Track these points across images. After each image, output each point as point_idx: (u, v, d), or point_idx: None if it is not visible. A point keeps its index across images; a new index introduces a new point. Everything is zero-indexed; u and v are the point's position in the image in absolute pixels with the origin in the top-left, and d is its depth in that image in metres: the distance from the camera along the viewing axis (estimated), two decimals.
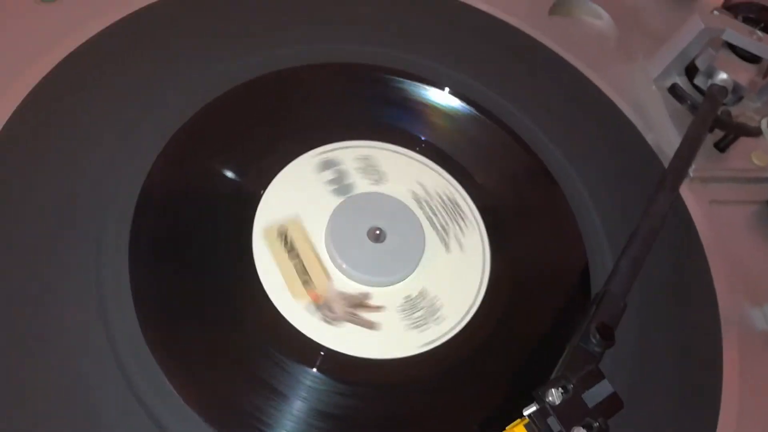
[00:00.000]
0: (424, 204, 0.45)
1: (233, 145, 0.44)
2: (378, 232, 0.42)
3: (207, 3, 0.52)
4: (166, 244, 0.39)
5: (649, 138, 0.54)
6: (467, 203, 0.46)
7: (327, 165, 0.45)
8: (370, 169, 0.46)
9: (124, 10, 0.49)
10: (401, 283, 0.41)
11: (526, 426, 0.35)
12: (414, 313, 0.40)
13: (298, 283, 0.40)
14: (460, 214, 0.45)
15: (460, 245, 0.44)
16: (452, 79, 0.52)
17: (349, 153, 0.46)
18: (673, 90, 0.53)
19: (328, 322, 0.39)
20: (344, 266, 0.41)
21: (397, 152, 0.47)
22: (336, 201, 0.43)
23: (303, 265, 0.41)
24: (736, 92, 0.53)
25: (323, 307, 0.39)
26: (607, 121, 0.55)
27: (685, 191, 0.52)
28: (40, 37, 0.46)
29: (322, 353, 0.37)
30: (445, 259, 0.43)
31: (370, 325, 0.39)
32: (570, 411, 0.35)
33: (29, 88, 0.42)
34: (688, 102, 0.52)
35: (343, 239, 0.42)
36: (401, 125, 0.49)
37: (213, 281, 0.38)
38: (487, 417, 0.37)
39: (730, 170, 0.54)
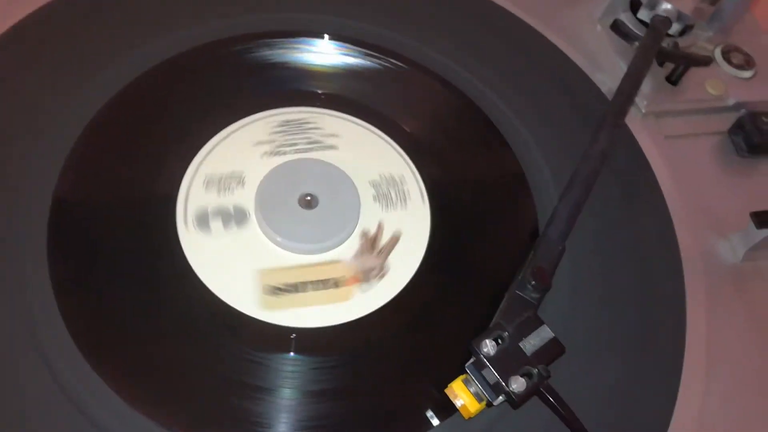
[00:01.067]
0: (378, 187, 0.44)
1: (148, 130, 0.43)
2: (309, 198, 0.41)
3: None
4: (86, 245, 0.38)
5: (598, 80, 0.53)
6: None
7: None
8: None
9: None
10: (340, 247, 0.41)
11: (464, 381, 0.34)
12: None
13: (335, 291, 0.39)
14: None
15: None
16: (388, 40, 0.51)
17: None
18: (615, 27, 0.51)
19: (383, 276, 0.39)
20: (278, 239, 0.40)
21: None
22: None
23: (317, 281, 0.39)
24: (681, 21, 0.51)
25: (368, 276, 0.39)
26: (554, 67, 0.53)
27: (639, 128, 0.51)
28: None
29: (293, 336, 0.37)
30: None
31: (397, 239, 0.41)
32: (507, 360, 0.34)
33: None
34: (633, 39, 0.50)
35: (274, 211, 0.41)
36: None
37: (144, 281, 0.38)
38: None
39: (684, 102, 0.52)
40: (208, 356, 0.36)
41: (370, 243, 0.40)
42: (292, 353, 0.36)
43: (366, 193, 0.43)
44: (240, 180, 0.42)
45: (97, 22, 0.48)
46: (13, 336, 0.34)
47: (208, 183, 0.42)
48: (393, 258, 0.40)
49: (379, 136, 0.46)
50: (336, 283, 0.39)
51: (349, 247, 0.41)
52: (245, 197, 0.41)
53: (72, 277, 0.37)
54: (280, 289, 0.38)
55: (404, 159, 0.45)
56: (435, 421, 0.35)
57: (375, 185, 0.43)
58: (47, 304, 0.35)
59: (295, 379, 0.36)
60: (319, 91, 0.47)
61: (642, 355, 0.40)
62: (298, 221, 0.41)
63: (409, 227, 0.42)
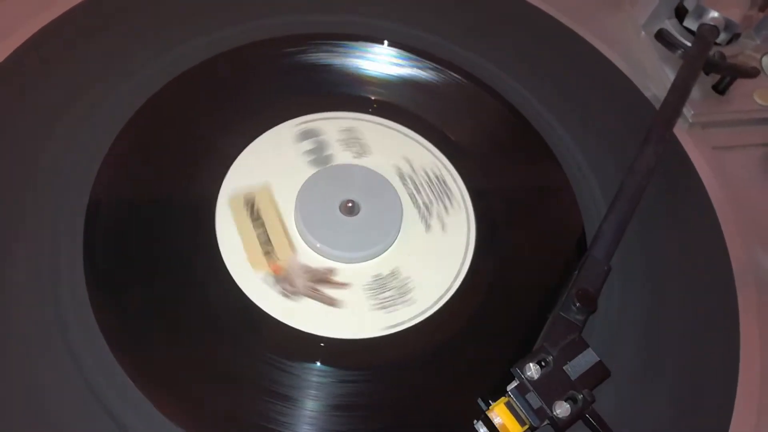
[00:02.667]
0: (408, 180, 0.44)
1: (205, 112, 0.44)
2: (351, 204, 0.41)
3: None
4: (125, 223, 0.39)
5: (644, 87, 0.52)
6: (456, 183, 0.44)
7: (307, 135, 0.44)
8: (352, 141, 0.45)
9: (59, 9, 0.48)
10: (373, 260, 0.40)
11: (507, 404, 0.34)
12: (382, 293, 0.39)
13: (260, 252, 0.39)
14: (446, 194, 0.44)
15: (443, 225, 0.42)
16: (443, 49, 0.51)
17: (333, 124, 0.45)
18: (660, 36, 0.50)
19: (287, 296, 0.38)
20: (311, 239, 0.40)
21: (384, 125, 0.46)
22: (312, 172, 0.42)
23: (267, 235, 0.40)
24: (729, 30, 0.50)
25: (283, 280, 0.38)
26: (598, 75, 0.53)
27: (686, 139, 0.50)
28: None
29: (321, 344, 0.37)
30: (424, 239, 0.42)
31: (331, 302, 0.38)
32: (551, 385, 0.34)
33: None
34: (678, 48, 0.49)
35: (313, 212, 0.40)
36: (382, 96, 0.48)
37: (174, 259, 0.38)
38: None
39: (731, 112, 0.51)
40: (234, 359, 0.36)
41: (320, 276, 0.39)
42: (318, 363, 0.36)
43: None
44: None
45: (139, 19, 0.49)
46: (46, 334, 0.35)
47: None
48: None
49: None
50: (268, 252, 0.39)
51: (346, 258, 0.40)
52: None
53: (106, 276, 0.37)
54: (252, 206, 0.40)
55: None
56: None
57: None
58: (81, 302, 0.36)
59: (320, 390, 0.35)
60: (372, 98, 0.47)
61: (693, 377, 0.39)
62: (337, 227, 0.40)
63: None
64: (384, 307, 0.38)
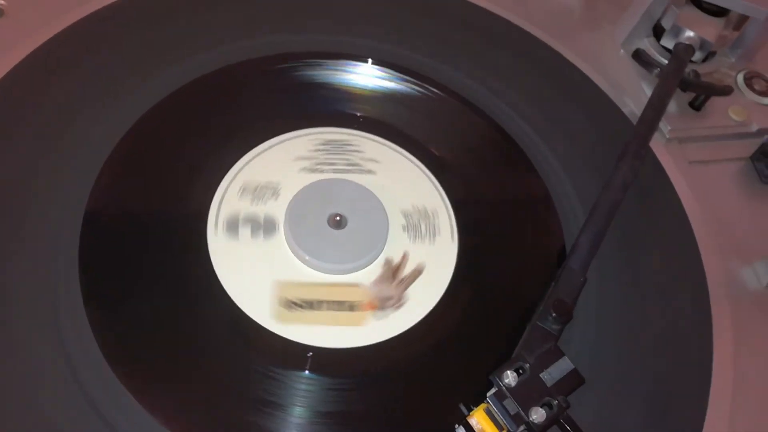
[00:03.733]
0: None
1: (182, 146, 0.45)
2: (338, 218, 0.42)
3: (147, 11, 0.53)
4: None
5: (622, 103, 0.53)
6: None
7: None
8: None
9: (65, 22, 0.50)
10: (360, 271, 0.42)
11: (486, 410, 0.35)
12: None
13: (349, 314, 0.40)
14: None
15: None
16: (424, 65, 0.52)
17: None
18: (638, 56, 0.52)
19: (400, 307, 0.40)
20: (300, 252, 0.41)
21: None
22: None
23: (333, 301, 0.40)
24: (704, 49, 0.51)
25: (384, 305, 0.40)
26: (578, 91, 0.54)
27: (663, 153, 0.51)
28: None
29: (309, 354, 0.38)
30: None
31: (419, 273, 0.41)
32: (527, 392, 0.35)
33: None
34: (655, 67, 0.51)
35: (302, 225, 0.42)
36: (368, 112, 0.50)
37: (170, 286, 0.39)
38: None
39: (707, 128, 0.52)
40: (222, 366, 0.37)
41: (392, 272, 0.41)
42: (307, 371, 0.37)
43: (396, 222, 0.44)
44: (275, 191, 0.44)
45: (143, 32, 0.51)
46: (42, 343, 0.36)
47: (243, 190, 0.43)
48: (415, 288, 0.41)
49: (417, 166, 0.47)
50: (351, 307, 0.40)
51: (371, 273, 0.42)
52: (277, 209, 0.43)
53: (101, 284, 0.38)
54: (295, 303, 0.40)
55: (440, 193, 0.46)
56: None
57: (406, 215, 0.44)
58: (76, 311, 0.37)
59: (307, 398, 0.36)
60: (358, 114, 0.49)
61: (667, 385, 0.40)
62: (324, 239, 0.42)
63: (434, 261, 0.43)
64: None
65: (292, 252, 0.41)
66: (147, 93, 0.47)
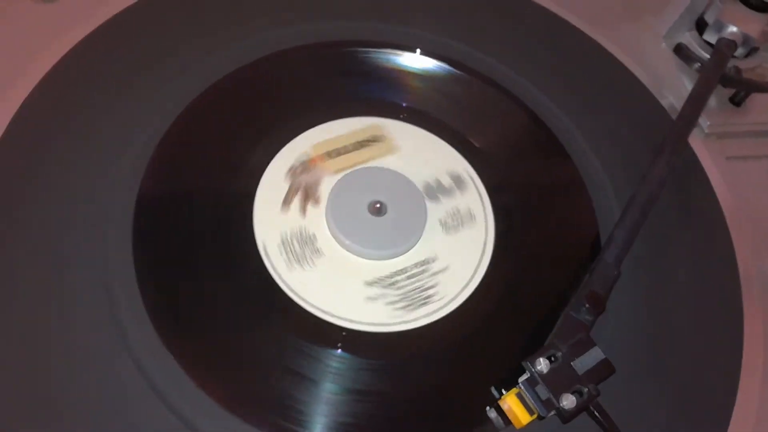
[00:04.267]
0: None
1: (231, 129, 0.47)
2: (378, 205, 0.44)
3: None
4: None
5: (662, 97, 0.54)
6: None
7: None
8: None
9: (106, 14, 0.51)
10: (398, 258, 0.43)
11: (518, 395, 0.36)
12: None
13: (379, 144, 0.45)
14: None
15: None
16: (458, 52, 0.53)
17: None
18: (679, 50, 0.52)
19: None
20: (341, 238, 0.43)
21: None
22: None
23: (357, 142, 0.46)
24: (747, 45, 0.51)
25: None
26: (616, 83, 0.55)
27: (701, 148, 0.51)
28: (38, 36, 0.48)
29: (343, 333, 0.40)
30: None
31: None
32: (559, 378, 0.36)
33: (27, 92, 0.45)
34: (696, 61, 0.51)
35: (343, 211, 0.43)
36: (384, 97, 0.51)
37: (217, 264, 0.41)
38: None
39: (747, 124, 0.53)
40: (262, 343, 0.39)
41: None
42: (339, 350, 0.39)
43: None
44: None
45: (190, 19, 0.52)
46: (99, 326, 0.37)
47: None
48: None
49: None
50: (375, 138, 0.45)
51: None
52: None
53: (155, 268, 0.40)
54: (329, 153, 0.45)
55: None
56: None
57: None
58: (130, 291, 0.39)
59: (340, 375, 0.38)
60: (404, 104, 0.50)
61: (696, 379, 0.41)
62: (365, 226, 0.43)
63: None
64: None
65: (333, 236, 0.43)
66: (202, 74, 0.48)
